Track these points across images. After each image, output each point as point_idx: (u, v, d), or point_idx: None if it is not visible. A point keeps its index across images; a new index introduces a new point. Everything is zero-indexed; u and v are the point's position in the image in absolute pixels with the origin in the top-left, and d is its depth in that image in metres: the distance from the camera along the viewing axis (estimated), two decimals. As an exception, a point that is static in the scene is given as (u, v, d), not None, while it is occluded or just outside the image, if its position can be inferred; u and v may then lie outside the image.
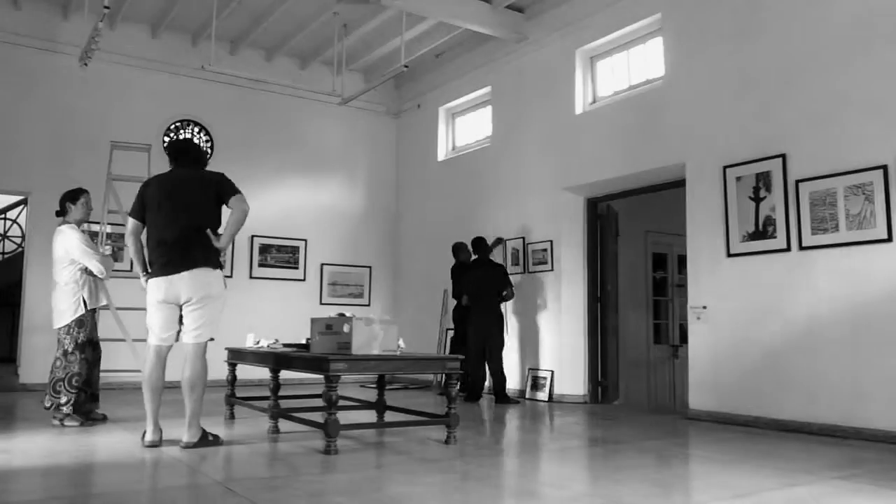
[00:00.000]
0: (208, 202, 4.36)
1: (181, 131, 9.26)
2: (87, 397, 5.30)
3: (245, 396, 5.85)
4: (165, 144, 4.89)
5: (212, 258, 4.31)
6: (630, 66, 7.57)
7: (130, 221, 4.45)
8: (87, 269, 5.23)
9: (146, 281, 4.37)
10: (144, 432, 4.33)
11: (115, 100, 8.73)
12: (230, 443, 4.75)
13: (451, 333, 9.21)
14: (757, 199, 5.94)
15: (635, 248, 9.41)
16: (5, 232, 11.20)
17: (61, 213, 5.37)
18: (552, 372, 7.76)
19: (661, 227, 9.43)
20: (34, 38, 8.36)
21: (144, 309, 6.73)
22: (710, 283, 6.29)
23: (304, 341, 5.27)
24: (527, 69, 8.52)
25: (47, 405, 5.18)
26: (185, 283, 4.23)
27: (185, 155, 4.59)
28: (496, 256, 8.36)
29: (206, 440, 4.32)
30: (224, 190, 4.39)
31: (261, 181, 9.61)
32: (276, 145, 9.80)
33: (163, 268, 4.27)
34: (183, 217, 4.30)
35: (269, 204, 9.59)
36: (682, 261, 8.72)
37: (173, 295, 4.26)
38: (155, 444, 4.23)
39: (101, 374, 7.03)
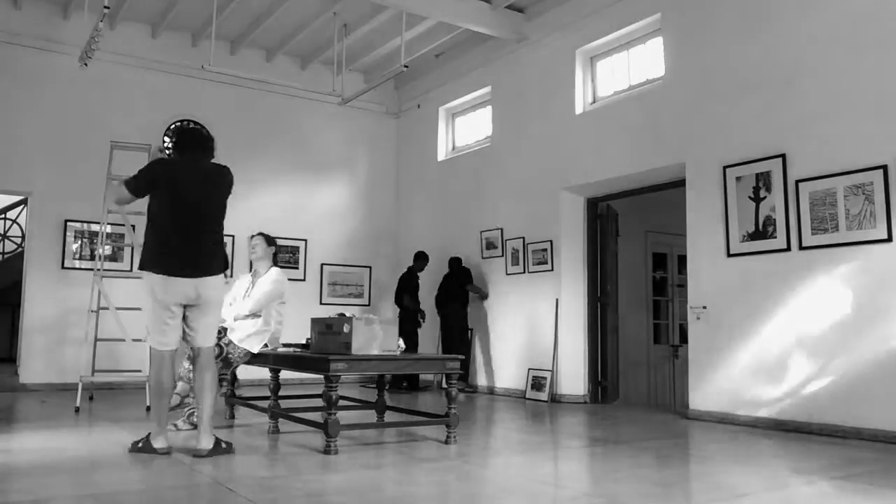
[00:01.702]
0: (224, 206, 4.24)
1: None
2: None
3: (245, 396, 5.85)
4: (177, 130, 4.46)
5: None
6: (630, 66, 7.57)
7: (128, 195, 4.05)
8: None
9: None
10: (149, 438, 4.06)
11: (115, 100, 8.72)
12: (231, 443, 4.75)
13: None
14: (757, 199, 5.93)
15: (635, 248, 9.41)
16: (5, 232, 11.20)
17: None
18: (552, 372, 7.76)
19: (661, 227, 9.43)
20: (34, 38, 8.36)
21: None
22: (710, 284, 6.28)
23: (304, 341, 5.27)
24: (527, 69, 8.51)
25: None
26: (203, 286, 4.04)
27: (205, 147, 4.26)
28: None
29: (216, 448, 4.06)
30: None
31: (261, 181, 9.61)
32: (276, 145, 9.80)
33: (182, 268, 3.97)
34: (208, 218, 4.11)
35: (269, 204, 9.59)
36: (682, 261, 8.73)
37: (191, 297, 4.03)
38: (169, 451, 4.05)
39: (101, 374, 7.07)
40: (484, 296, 8.76)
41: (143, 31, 9.02)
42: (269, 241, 5.61)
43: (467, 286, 8.74)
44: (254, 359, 5.20)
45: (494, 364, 8.60)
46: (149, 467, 3.82)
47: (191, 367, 5.05)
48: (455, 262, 8.85)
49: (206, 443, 4.02)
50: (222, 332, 5.22)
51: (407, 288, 9.02)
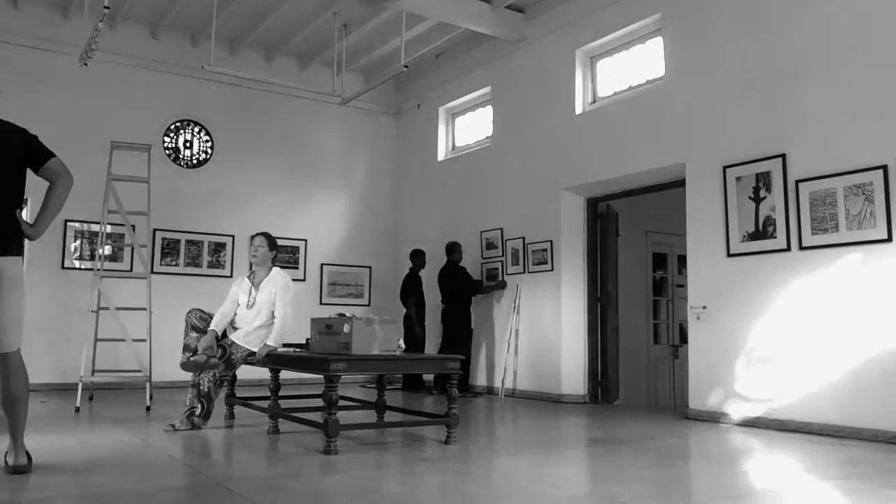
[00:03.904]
0: (13, 164, 3.36)
1: (181, 131, 9.26)
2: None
3: (245, 396, 5.85)
4: None
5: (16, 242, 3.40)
6: (630, 66, 7.57)
7: None
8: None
9: None
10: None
11: (115, 100, 8.72)
12: (231, 443, 4.76)
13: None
14: (757, 199, 5.93)
15: (635, 248, 9.41)
16: (5, 232, 11.19)
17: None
18: (551, 372, 7.75)
19: (661, 227, 9.43)
20: (34, 38, 8.36)
21: (144, 309, 6.81)
22: (710, 283, 6.28)
23: (304, 341, 5.27)
24: (527, 69, 8.52)
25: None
26: None
27: None
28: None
29: (29, 462, 3.50)
30: (37, 147, 3.45)
31: (261, 181, 9.61)
32: (277, 145, 9.80)
33: None
34: None
35: (269, 204, 9.60)
36: (682, 261, 8.72)
37: None
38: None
39: (101, 374, 7.07)
40: (502, 285, 8.52)
41: (143, 31, 9.02)
42: (272, 244, 5.46)
43: (476, 294, 8.64)
44: (252, 357, 5.19)
45: (494, 364, 8.59)
46: (149, 467, 3.83)
47: (190, 358, 5.07)
48: (448, 264, 8.68)
49: (22, 458, 3.45)
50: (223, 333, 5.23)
51: (411, 292, 8.90)
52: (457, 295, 8.51)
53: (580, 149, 7.69)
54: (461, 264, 8.68)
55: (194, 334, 5.20)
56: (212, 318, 5.27)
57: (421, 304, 8.91)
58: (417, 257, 9.08)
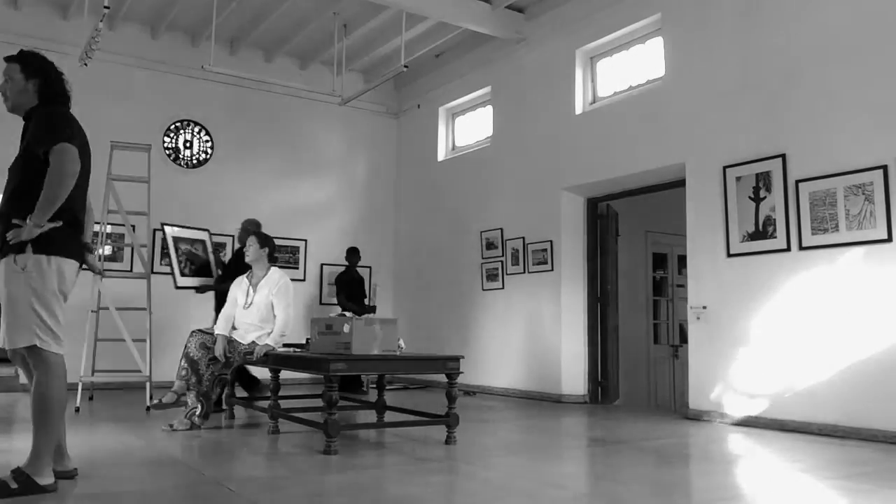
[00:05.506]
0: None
1: (181, 131, 9.25)
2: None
3: (245, 396, 5.85)
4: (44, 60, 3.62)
5: None
6: (630, 66, 7.57)
7: (75, 152, 3.13)
8: None
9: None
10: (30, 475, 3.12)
11: (115, 100, 8.72)
12: (231, 442, 4.76)
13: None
14: (757, 199, 5.94)
15: (635, 248, 9.41)
16: (5, 232, 11.18)
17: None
18: (552, 372, 7.75)
19: (661, 227, 9.43)
20: (34, 38, 8.31)
21: (144, 309, 6.80)
22: (710, 283, 6.28)
23: (304, 341, 5.27)
24: (527, 69, 8.52)
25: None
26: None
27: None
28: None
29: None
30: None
31: (261, 181, 9.61)
32: (276, 145, 9.80)
33: (85, 249, 3.37)
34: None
35: (269, 204, 9.59)
36: (682, 261, 8.73)
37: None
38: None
39: (101, 374, 7.07)
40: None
41: (143, 31, 9.02)
42: (263, 241, 5.43)
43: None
44: (249, 356, 5.18)
45: (494, 363, 8.59)
46: (148, 467, 3.83)
47: (186, 365, 5.06)
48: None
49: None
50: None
51: (342, 288, 8.93)
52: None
53: (580, 149, 7.69)
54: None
55: (180, 383, 5.11)
56: (212, 334, 5.24)
57: (359, 299, 8.96)
58: (351, 255, 9.06)
